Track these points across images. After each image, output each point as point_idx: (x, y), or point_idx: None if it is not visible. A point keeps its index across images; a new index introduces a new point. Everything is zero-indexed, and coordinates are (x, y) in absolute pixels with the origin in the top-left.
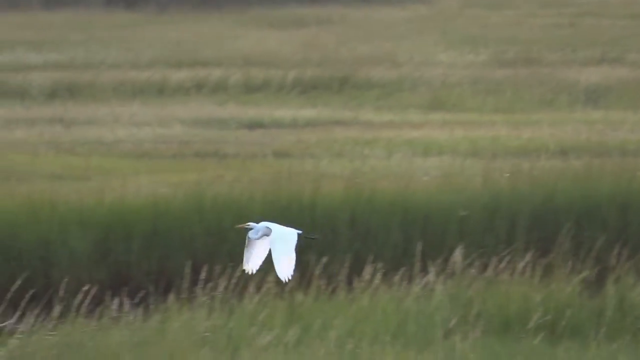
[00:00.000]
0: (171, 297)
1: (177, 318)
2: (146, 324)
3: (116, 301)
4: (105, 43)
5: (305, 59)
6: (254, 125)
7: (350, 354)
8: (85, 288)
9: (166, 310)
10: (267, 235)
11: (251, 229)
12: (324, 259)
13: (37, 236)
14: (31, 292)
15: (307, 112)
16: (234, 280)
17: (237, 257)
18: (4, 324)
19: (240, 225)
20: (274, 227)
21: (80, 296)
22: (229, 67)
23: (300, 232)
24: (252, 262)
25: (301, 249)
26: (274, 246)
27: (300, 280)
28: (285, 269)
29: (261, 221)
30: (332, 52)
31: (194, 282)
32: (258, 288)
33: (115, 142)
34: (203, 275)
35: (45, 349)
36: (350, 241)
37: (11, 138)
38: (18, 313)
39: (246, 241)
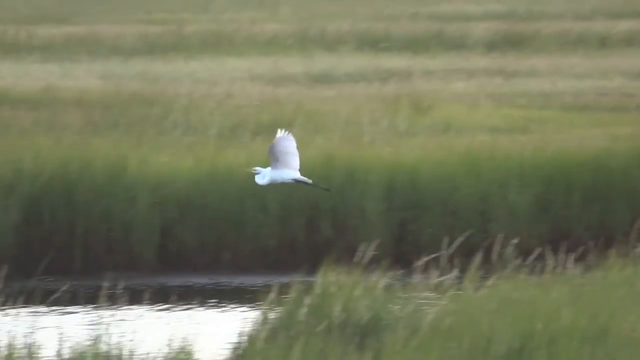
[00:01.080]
0: (612, 252)
1: (618, 274)
2: (586, 280)
3: (556, 257)
4: None
5: None
6: None
7: None
8: (518, 242)
9: (607, 266)
10: (274, 179)
11: (258, 173)
12: None
13: (476, 190)
14: (469, 247)
15: None
16: None
17: None
18: (444, 279)
19: (247, 169)
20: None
21: (519, 252)
22: None
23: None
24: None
25: None
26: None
27: None
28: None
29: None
30: None
31: (637, 237)
32: None
33: (555, 94)
34: None
35: (483, 304)
36: None
37: (451, 89)
38: (457, 268)
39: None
